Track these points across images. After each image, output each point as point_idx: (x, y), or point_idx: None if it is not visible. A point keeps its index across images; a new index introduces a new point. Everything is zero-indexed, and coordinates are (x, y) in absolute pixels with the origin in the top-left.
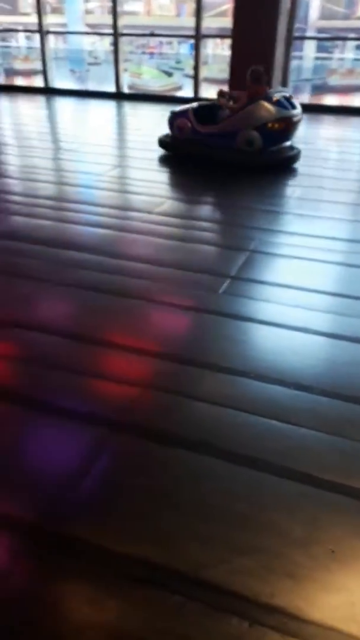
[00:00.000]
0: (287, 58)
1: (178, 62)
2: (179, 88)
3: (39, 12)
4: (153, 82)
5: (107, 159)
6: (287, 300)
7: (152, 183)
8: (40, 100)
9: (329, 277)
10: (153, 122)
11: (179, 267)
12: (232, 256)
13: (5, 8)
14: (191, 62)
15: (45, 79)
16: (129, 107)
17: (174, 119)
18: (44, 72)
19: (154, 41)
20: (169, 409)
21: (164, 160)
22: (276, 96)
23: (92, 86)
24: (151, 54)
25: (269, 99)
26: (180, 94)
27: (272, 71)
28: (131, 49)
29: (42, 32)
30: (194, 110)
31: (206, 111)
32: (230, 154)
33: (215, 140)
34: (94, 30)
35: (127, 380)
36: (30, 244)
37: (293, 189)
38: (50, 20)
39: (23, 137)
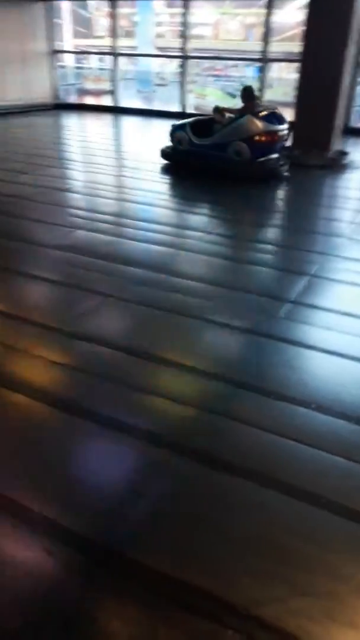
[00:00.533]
0: (353, 82)
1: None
2: None
3: (113, 35)
4: (217, 103)
5: (167, 179)
6: (351, 329)
7: (213, 205)
8: (108, 118)
9: None
10: None
11: (237, 288)
12: (292, 280)
13: (81, 32)
14: (256, 85)
15: (114, 99)
16: None
17: (174, 131)
18: (113, 92)
19: (220, 64)
20: (227, 435)
21: (225, 183)
22: (264, 112)
23: (158, 106)
24: (217, 76)
25: (256, 114)
26: None
27: (338, 96)
28: (197, 71)
29: (115, 54)
30: (191, 124)
31: (203, 125)
32: (223, 163)
33: (209, 151)
34: (163, 53)
35: (185, 400)
36: (93, 258)
37: (355, 214)
38: (122, 43)
39: (89, 153)
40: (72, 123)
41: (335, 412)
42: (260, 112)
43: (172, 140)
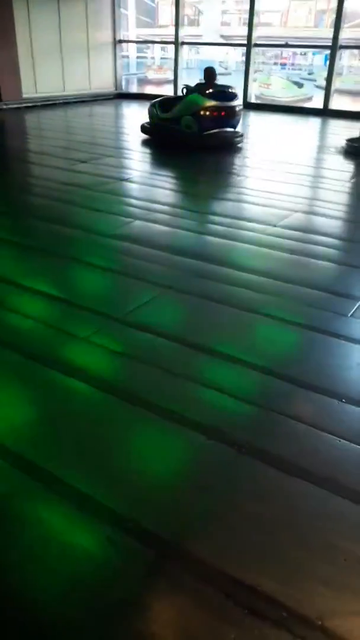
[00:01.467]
0: None
1: (310, 73)
2: (309, 99)
3: (177, 24)
4: (282, 92)
5: (233, 169)
6: None
7: (278, 195)
8: None
9: None
10: (280, 131)
11: (303, 284)
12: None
13: (145, 21)
14: (324, 74)
15: (175, 89)
16: (254, 117)
17: (149, 108)
18: (175, 81)
19: (287, 52)
20: (293, 436)
21: (290, 172)
22: (212, 90)
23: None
24: (283, 64)
25: (203, 92)
26: (309, 105)
27: None
28: (263, 60)
29: (177, 43)
30: (160, 101)
31: (171, 102)
32: (178, 135)
33: (169, 125)
34: (228, 41)
35: (248, 398)
36: (154, 249)
37: None
38: (186, 32)
39: (143, 143)
40: (132, 112)
41: None
42: (208, 90)
43: (148, 116)
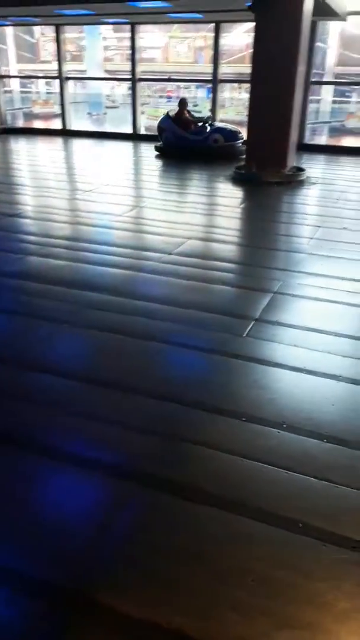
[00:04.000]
0: (305, 101)
1: (195, 105)
2: None
3: (59, 59)
4: None
5: (125, 200)
6: (317, 345)
7: (171, 223)
8: (58, 142)
9: (358, 321)
10: (170, 162)
11: (200, 308)
12: (256, 298)
13: (26, 56)
14: (208, 105)
15: (64, 122)
16: (145, 148)
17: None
18: (63, 115)
19: (171, 86)
20: (198, 462)
21: (182, 200)
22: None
23: (109, 128)
24: (169, 97)
25: (175, 118)
26: None
27: (290, 115)
28: (149, 93)
29: (62, 77)
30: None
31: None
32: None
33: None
34: (113, 76)
35: (150, 429)
36: (48, 284)
37: (313, 230)
38: (70, 67)
39: (40, 177)
40: (20, 147)
41: (307, 431)
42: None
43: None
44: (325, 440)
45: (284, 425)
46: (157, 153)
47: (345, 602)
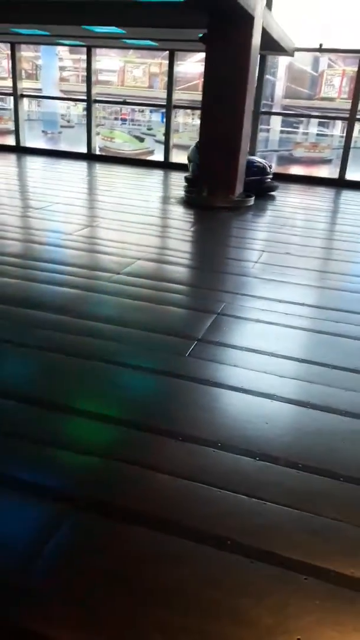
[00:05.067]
0: (254, 131)
1: (149, 128)
2: (151, 152)
3: (14, 77)
4: (125, 146)
5: (77, 219)
6: (256, 365)
7: (121, 243)
8: (11, 158)
9: (297, 342)
10: (124, 183)
11: (144, 328)
12: (200, 319)
13: None
14: (162, 130)
15: (17, 138)
16: (100, 169)
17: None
18: (17, 132)
19: (126, 109)
20: (133, 483)
21: (134, 221)
22: None
23: (64, 147)
24: (124, 119)
25: None
26: (152, 158)
27: (240, 143)
28: (104, 115)
29: (16, 95)
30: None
31: None
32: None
33: None
34: (69, 96)
35: (89, 450)
36: None
37: (258, 254)
38: (25, 85)
39: None
40: None
41: (240, 449)
42: None
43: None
44: (257, 459)
45: (219, 444)
46: (185, 183)
47: (268, 618)
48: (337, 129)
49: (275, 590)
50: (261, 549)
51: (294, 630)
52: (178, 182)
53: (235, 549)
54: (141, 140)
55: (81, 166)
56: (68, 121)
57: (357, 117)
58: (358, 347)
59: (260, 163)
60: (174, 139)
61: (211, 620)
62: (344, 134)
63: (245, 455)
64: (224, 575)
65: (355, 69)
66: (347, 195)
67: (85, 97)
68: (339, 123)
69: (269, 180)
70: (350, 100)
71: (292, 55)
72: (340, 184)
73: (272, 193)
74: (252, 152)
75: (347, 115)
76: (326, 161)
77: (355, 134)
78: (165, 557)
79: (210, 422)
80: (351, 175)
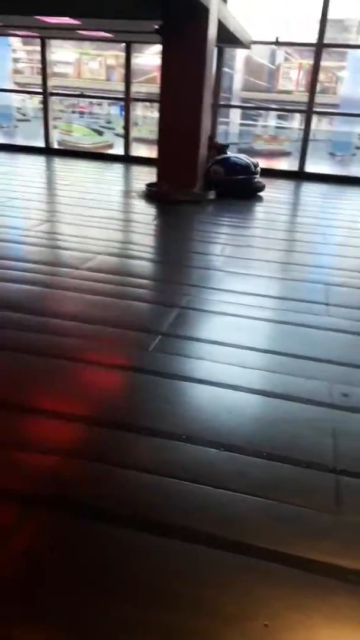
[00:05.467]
0: (214, 124)
1: (108, 122)
2: (110, 146)
3: None
4: (84, 139)
5: (36, 214)
6: (220, 357)
7: (82, 238)
8: None
9: (260, 333)
10: (83, 177)
11: (106, 324)
12: (163, 313)
13: None
14: (121, 123)
15: None
16: (58, 163)
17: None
18: None
19: (83, 101)
20: (97, 480)
21: (95, 215)
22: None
23: (20, 141)
24: (81, 113)
25: None
26: (111, 151)
27: (199, 137)
28: (61, 108)
29: None
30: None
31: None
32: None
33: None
34: (24, 89)
35: (51, 449)
36: None
37: (223, 247)
38: None
39: None
40: None
41: (205, 440)
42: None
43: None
44: (222, 449)
45: (185, 437)
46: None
47: (233, 606)
48: (296, 122)
49: (241, 578)
50: (227, 538)
51: (261, 616)
52: (138, 176)
53: (201, 540)
54: (100, 133)
55: (39, 160)
56: (24, 114)
57: (315, 109)
58: (319, 336)
59: (243, 160)
60: (134, 132)
61: (175, 613)
62: (303, 127)
63: (210, 446)
64: (190, 568)
65: (312, 62)
66: (307, 188)
67: (40, 90)
68: (297, 116)
69: (256, 179)
70: (308, 93)
71: (249, 48)
72: (300, 176)
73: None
74: None
75: (305, 108)
76: (285, 153)
77: (313, 126)
78: (131, 553)
79: (176, 415)
80: (310, 167)
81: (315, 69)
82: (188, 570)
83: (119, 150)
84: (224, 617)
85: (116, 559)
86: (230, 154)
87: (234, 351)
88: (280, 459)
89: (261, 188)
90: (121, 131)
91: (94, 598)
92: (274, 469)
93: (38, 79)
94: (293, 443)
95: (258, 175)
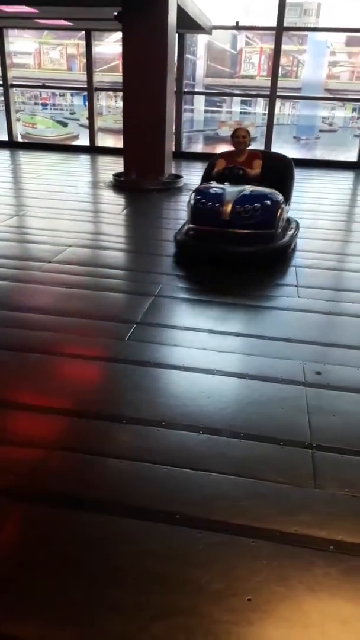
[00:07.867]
0: (179, 111)
1: (72, 112)
2: (76, 137)
3: None
4: (49, 131)
5: (3, 208)
6: (194, 342)
7: (51, 231)
8: None
9: (233, 317)
10: (50, 170)
11: (80, 315)
12: (137, 302)
13: None
14: (85, 113)
15: None
16: (23, 156)
17: None
18: None
19: (46, 93)
20: (78, 470)
21: (64, 208)
22: None
23: None
24: (44, 104)
25: None
26: (77, 142)
27: (164, 124)
28: (24, 100)
29: None
30: None
31: None
32: None
33: None
34: None
35: (31, 442)
36: None
37: None
38: None
39: None
40: None
41: (183, 425)
42: None
43: None
44: (200, 432)
45: (163, 423)
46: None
47: (217, 583)
48: (260, 107)
49: (223, 556)
50: (209, 519)
51: (244, 591)
52: (106, 167)
53: (184, 522)
54: (65, 125)
55: (3, 154)
56: None
57: (278, 94)
58: (291, 318)
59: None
60: (99, 123)
61: (162, 593)
62: (266, 112)
63: (188, 430)
64: (174, 549)
65: (273, 46)
66: None
67: (0, 82)
68: (260, 101)
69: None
70: (270, 78)
71: (210, 33)
72: None
73: None
74: (178, 132)
75: (268, 93)
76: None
77: (277, 110)
78: (115, 538)
79: (153, 402)
80: (276, 150)
81: (277, 53)
82: (172, 552)
83: (84, 141)
84: (209, 594)
85: (102, 545)
86: None
87: (209, 336)
88: (257, 438)
89: None
90: (86, 122)
91: (82, 584)
92: (252, 449)
93: None
94: (270, 422)
95: None
